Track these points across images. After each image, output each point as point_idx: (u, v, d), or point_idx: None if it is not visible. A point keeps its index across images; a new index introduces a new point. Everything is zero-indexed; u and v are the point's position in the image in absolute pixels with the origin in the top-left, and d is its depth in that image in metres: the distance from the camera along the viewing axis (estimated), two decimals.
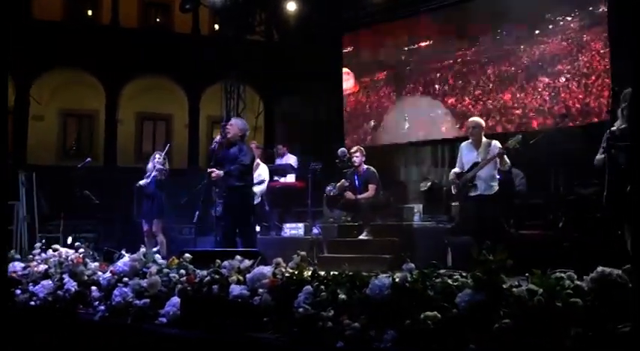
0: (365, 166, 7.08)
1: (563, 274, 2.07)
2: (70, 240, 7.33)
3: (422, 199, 8.24)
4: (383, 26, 10.36)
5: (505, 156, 5.41)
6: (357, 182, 7.04)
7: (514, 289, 2.09)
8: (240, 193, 5.40)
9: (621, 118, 3.84)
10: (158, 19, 15.99)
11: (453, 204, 7.60)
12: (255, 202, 6.77)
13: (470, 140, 5.79)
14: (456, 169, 5.89)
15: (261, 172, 7.59)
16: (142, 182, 7.20)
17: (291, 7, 10.11)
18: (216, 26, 14.57)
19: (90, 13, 15.42)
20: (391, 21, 10.19)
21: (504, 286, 2.13)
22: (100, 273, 3.60)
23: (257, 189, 7.27)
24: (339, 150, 7.23)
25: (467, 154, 5.77)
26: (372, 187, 6.96)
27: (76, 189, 7.30)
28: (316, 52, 10.76)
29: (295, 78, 10.98)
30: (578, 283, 2.03)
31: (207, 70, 12.83)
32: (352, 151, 7.12)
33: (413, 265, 2.36)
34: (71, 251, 3.88)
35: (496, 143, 5.60)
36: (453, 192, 5.97)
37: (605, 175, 3.61)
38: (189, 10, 10.84)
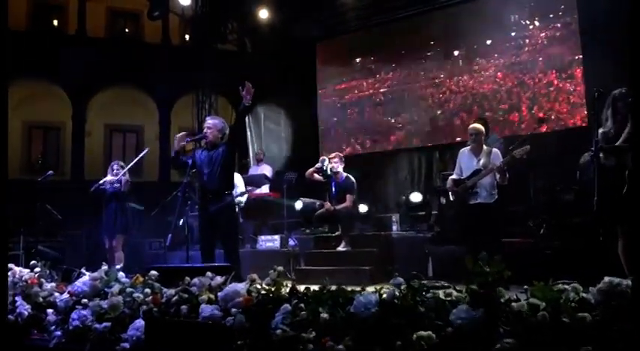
0: (344, 174, 6.86)
1: (567, 286, 1.89)
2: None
3: (400, 209, 8.08)
4: (358, 34, 10.27)
5: (506, 171, 5.21)
6: (334, 190, 6.82)
7: (513, 304, 1.90)
8: (225, 201, 4.75)
9: (611, 119, 3.72)
10: (127, 29, 15.63)
11: (434, 212, 7.47)
12: None
13: (469, 146, 5.61)
14: (454, 176, 5.67)
15: (238, 182, 7.20)
16: (94, 186, 6.72)
17: (263, 14, 9.93)
18: (187, 36, 14.30)
19: (55, 22, 14.99)
20: (366, 28, 10.11)
21: (502, 300, 1.94)
22: (57, 294, 3.28)
23: (241, 199, 7.01)
24: (320, 159, 6.98)
25: (466, 161, 5.57)
26: (349, 197, 6.76)
27: (36, 203, 6.86)
28: (290, 60, 10.59)
29: (269, 87, 10.77)
30: (584, 295, 1.85)
31: (179, 80, 12.53)
32: (331, 156, 6.91)
33: (402, 280, 2.15)
34: (26, 270, 3.54)
35: (498, 152, 5.42)
36: (450, 199, 5.75)
37: (595, 180, 3.47)
38: (158, 17, 10.55)
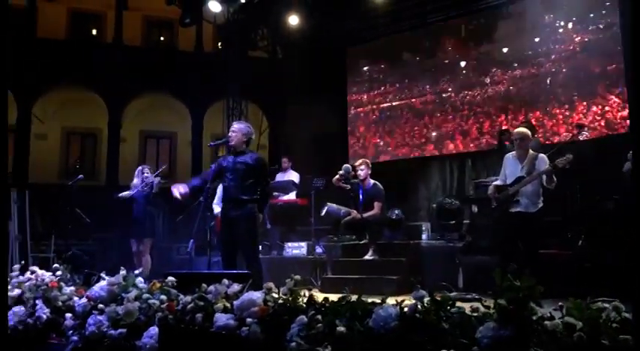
0: (371, 181, 6.69)
1: (607, 304, 1.71)
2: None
3: (431, 217, 7.85)
4: (388, 39, 10.13)
5: (554, 174, 4.95)
6: (361, 197, 6.64)
7: (547, 322, 1.73)
8: (245, 208, 4.62)
9: None
10: (162, 38, 15.94)
11: (465, 221, 7.23)
12: None
13: (514, 152, 5.34)
14: (498, 182, 5.40)
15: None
16: (122, 194, 6.77)
17: (294, 21, 9.90)
18: (220, 44, 14.46)
19: (94, 31, 15.42)
20: (396, 34, 9.96)
21: (534, 318, 1.77)
22: (76, 298, 3.25)
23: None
24: (344, 166, 6.81)
25: (511, 167, 5.30)
26: (377, 205, 6.59)
27: (66, 207, 6.95)
28: (320, 66, 10.52)
29: (299, 93, 10.73)
30: (627, 315, 1.67)
31: (211, 87, 12.66)
32: (357, 163, 6.74)
33: (424, 293, 2.00)
34: (48, 274, 3.53)
35: (543, 157, 5.14)
36: (492, 205, 5.50)
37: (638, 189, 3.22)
38: (190, 24, 10.66)
